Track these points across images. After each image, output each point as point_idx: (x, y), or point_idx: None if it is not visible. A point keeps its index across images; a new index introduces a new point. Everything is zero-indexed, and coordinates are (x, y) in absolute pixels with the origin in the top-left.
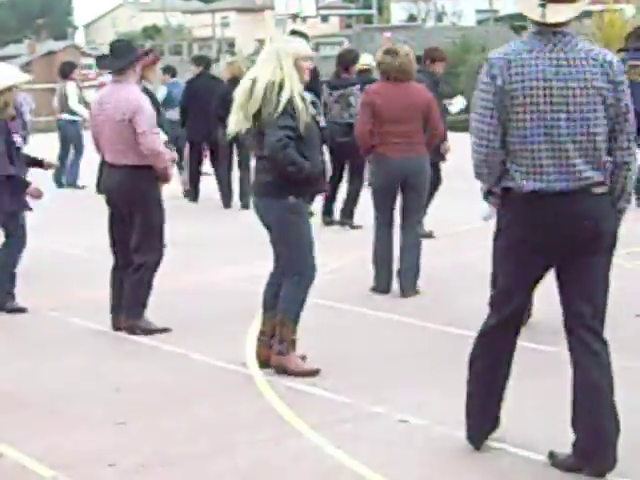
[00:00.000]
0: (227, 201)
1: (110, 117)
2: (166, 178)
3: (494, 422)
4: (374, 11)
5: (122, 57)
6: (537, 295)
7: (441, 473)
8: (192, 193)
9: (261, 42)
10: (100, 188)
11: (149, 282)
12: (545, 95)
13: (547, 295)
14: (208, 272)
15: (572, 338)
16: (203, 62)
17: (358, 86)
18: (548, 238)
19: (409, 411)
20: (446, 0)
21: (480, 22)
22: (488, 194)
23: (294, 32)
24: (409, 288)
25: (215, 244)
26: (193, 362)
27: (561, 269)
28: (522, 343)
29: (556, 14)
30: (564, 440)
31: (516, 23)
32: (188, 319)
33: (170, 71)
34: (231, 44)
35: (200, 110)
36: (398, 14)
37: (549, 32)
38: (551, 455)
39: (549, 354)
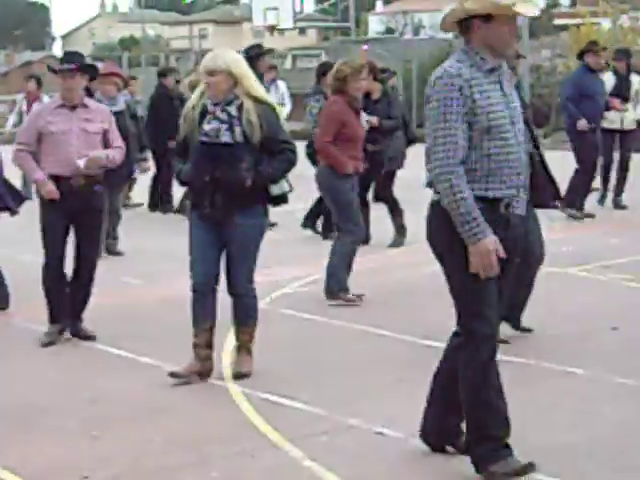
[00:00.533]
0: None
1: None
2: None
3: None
4: (352, 24)
5: None
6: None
7: None
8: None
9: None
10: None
11: None
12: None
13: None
14: (182, 283)
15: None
16: (172, 73)
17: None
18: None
19: (384, 423)
20: (424, 13)
21: (458, 36)
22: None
23: (253, 46)
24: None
25: (186, 257)
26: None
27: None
28: (498, 356)
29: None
30: (538, 451)
31: None
32: (163, 331)
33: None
34: None
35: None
36: (375, 27)
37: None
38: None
39: (524, 366)
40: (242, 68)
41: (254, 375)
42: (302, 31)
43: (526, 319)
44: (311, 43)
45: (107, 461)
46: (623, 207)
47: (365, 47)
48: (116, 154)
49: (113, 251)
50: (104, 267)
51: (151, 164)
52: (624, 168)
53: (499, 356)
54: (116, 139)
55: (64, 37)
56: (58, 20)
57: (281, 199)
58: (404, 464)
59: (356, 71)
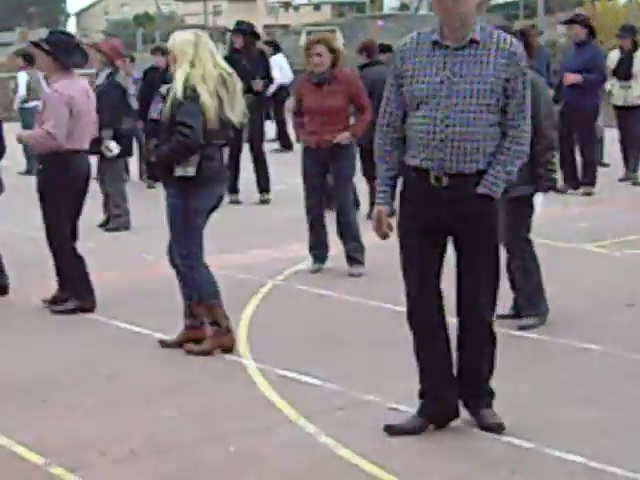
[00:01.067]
0: None
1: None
2: None
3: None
4: (366, 0)
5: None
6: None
7: (432, 460)
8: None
9: None
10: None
11: None
12: (436, 88)
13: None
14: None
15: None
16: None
17: None
18: (433, 219)
19: (399, 399)
20: None
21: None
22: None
23: (239, 22)
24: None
25: (208, 233)
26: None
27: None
28: (514, 332)
29: None
30: (553, 427)
31: (508, 12)
32: (179, 307)
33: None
34: (223, 32)
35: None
36: (390, 2)
37: None
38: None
39: (539, 342)
40: (180, 50)
41: (269, 351)
42: (317, 7)
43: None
44: (325, 19)
45: (124, 437)
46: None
47: (380, 23)
48: (36, 135)
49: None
50: (119, 243)
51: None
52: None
53: (516, 332)
54: (48, 120)
55: (78, 14)
56: None
57: (185, 180)
58: (419, 440)
59: (306, 47)
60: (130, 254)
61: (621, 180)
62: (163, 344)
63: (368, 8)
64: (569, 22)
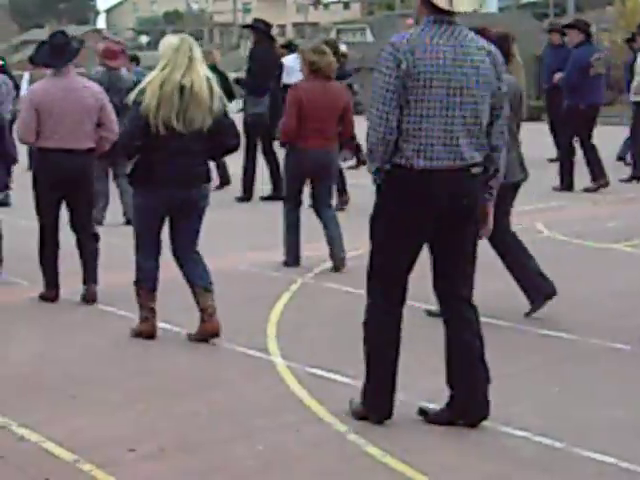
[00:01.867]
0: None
1: (80, 104)
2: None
3: None
4: None
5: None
6: (558, 286)
7: (461, 459)
8: None
9: (282, 28)
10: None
11: None
12: (444, 80)
13: (566, 286)
14: (230, 258)
15: (445, 306)
16: None
17: None
18: (429, 212)
19: (428, 398)
20: None
21: (502, 9)
22: (377, 171)
23: (257, 20)
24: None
25: (236, 231)
26: (214, 347)
27: (434, 243)
28: (545, 331)
29: (461, 4)
30: (584, 427)
31: (538, 10)
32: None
33: (135, 59)
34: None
35: None
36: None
37: (445, 21)
38: (422, 412)
39: (570, 342)
40: (162, 53)
41: (299, 349)
42: (346, 5)
43: (572, 294)
44: (355, 17)
45: (153, 434)
46: None
47: (410, 21)
48: None
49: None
50: None
51: None
52: None
53: (546, 331)
54: None
55: (108, 11)
56: None
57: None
58: (449, 438)
59: None
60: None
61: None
62: (190, 337)
63: (398, 6)
64: (569, 27)
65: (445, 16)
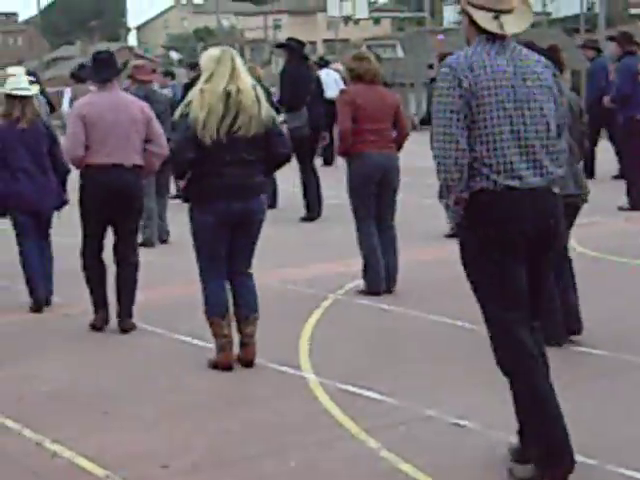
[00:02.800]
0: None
1: (127, 117)
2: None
3: None
4: (426, 14)
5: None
6: (589, 302)
7: (494, 476)
8: None
9: (313, 44)
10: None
11: None
12: (509, 94)
13: (598, 302)
14: (261, 275)
15: None
16: (197, 67)
17: None
18: (520, 235)
19: (461, 414)
20: None
21: (533, 25)
22: (454, 204)
23: (290, 39)
24: (394, 284)
25: (267, 247)
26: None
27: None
28: (576, 348)
29: (512, 26)
30: (617, 444)
31: (569, 26)
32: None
33: (170, 74)
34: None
35: None
36: (450, 17)
37: (498, 37)
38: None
39: (601, 358)
40: (204, 66)
41: (331, 365)
42: (377, 21)
43: (604, 310)
44: (385, 33)
45: (185, 450)
46: None
47: (440, 37)
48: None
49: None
50: (180, 256)
51: None
52: None
53: (578, 348)
54: None
55: (139, 28)
56: (133, 11)
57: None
58: (481, 456)
59: None
60: (193, 267)
61: None
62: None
63: (428, 22)
64: (582, 46)
65: (498, 37)
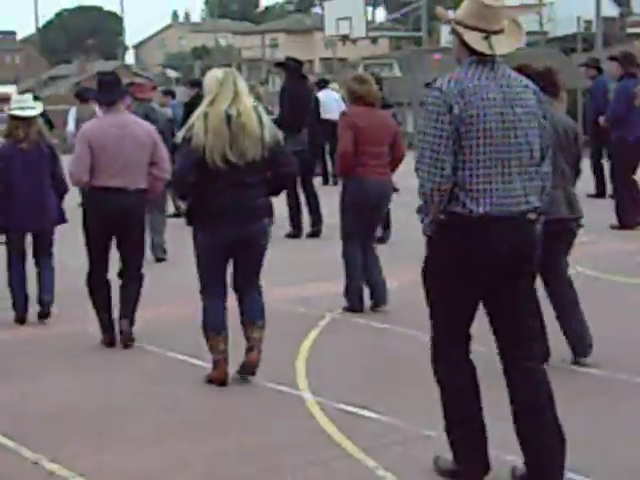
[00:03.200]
0: None
1: (134, 141)
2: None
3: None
4: (424, 33)
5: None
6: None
7: None
8: None
9: (310, 63)
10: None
11: None
12: (497, 122)
13: (593, 321)
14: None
15: (508, 363)
16: (197, 85)
17: None
18: (489, 263)
19: None
20: None
21: (530, 44)
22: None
23: (288, 58)
24: (385, 301)
25: (264, 266)
26: (243, 383)
27: (492, 295)
28: (574, 367)
29: (502, 46)
30: (611, 463)
31: (566, 45)
32: (238, 340)
33: (170, 93)
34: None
35: None
36: (448, 36)
37: (488, 61)
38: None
39: (599, 378)
40: (207, 87)
41: (328, 385)
42: (374, 40)
43: (604, 330)
44: (383, 52)
45: (182, 469)
46: None
47: (437, 56)
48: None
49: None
50: (177, 275)
51: None
52: None
53: (575, 367)
54: None
55: (136, 47)
56: (131, 30)
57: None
58: None
59: None
60: (191, 285)
61: None
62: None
63: (425, 41)
64: (584, 65)
65: (488, 57)
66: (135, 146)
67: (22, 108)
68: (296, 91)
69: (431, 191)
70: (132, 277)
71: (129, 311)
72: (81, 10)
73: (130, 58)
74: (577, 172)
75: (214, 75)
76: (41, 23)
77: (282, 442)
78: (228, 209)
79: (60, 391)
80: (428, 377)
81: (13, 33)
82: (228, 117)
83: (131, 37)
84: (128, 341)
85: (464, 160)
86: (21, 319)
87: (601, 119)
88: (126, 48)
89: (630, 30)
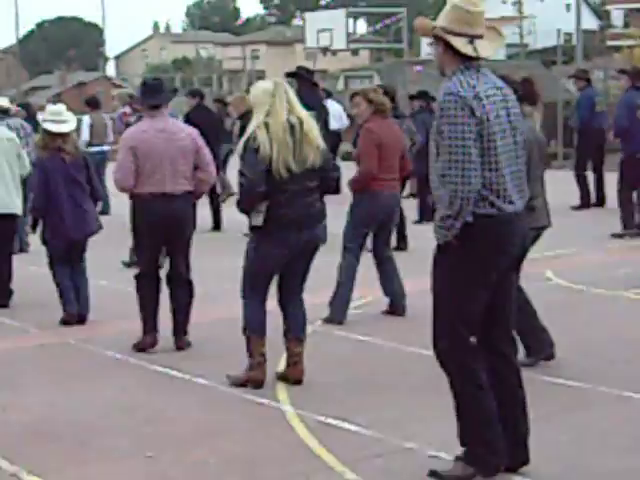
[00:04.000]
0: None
1: (177, 145)
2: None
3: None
4: (404, 45)
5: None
6: (567, 334)
7: None
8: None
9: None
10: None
11: None
12: (506, 121)
13: (575, 333)
14: (236, 306)
15: (494, 353)
16: (198, 95)
17: None
18: (511, 257)
19: (439, 447)
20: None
21: (510, 57)
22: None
23: (299, 67)
24: (403, 312)
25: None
26: (224, 395)
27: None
28: (554, 379)
29: (485, 49)
30: (593, 476)
31: (546, 57)
32: (220, 351)
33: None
34: (261, 77)
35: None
36: (428, 48)
37: (475, 67)
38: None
39: (579, 390)
40: (259, 99)
41: (309, 397)
42: (355, 52)
43: (584, 342)
44: (363, 64)
45: None
46: None
47: (418, 68)
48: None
49: None
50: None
51: None
52: None
53: (555, 379)
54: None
55: (117, 58)
56: (111, 41)
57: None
58: None
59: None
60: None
61: None
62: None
63: (406, 53)
64: (573, 77)
65: (474, 62)
66: (178, 152)
67: (55, 121)
68: (309, 101)
69: (468, 193)
70: (181, 281)
71: (183, 326)
72: (62, 21)
73: (111, 69)
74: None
75: (264, 87)
76: (21, 34)
77: (263, 454)
78: (297, 217)
79: (39, 404)
80: (409, 390)
81: None
82: (291, 126)
83: (112, 48)
84: (183, 345)
85: (489, 161)
86: (68, 320)
87: (610, 135)
88: (107, 59)
89: (610, 43)
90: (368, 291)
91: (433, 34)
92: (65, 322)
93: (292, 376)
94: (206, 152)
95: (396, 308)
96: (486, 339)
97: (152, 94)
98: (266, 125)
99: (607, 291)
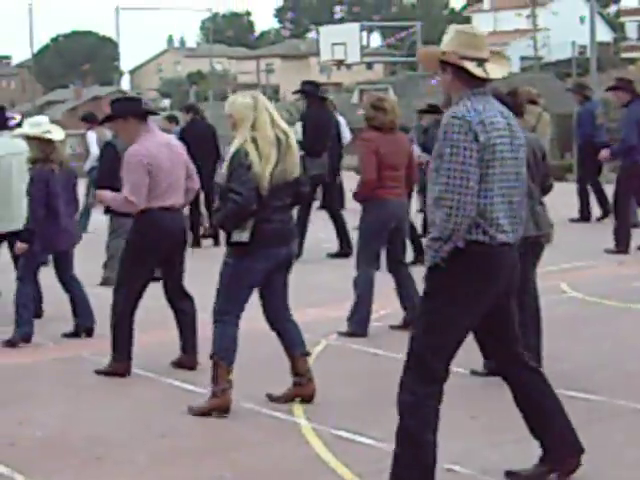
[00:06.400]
0: None
1: (179, 158)
2: None
3: None
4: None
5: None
6: (583, 346)
7: None
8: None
9: None
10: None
11: None
12: (507, 150)
13: (592, 346)
14: (254, 319)
15: (512, 367)
16: (192, 110)
17: None
18: (501, 286)
19: (455, 460)
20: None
21: (524, 69)
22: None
23: (305, 83)
24: None
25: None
26: (239, 408)
27: (489, 315)
28: (571, 393)
29: (494, 71)
30: None
31: (561, 70)
32: (236, 364)
33: (174, 120)
34: (275, 90)
35: (197, 155)
36: None
37: (483, 92)
38: (510, 474)
39: (597, 403)
40: (240, 114)
41: (324, 410)
42: (369, 66)
43: (597, 355)
44: (378, 77)
45: None
46: None
47: (434, 82)
48: (117, 199)
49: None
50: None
51: None
52: None
53: (573, 393)
54: (125, 184)
55: (132, 72)
56: (126, 55)
57: (236, 245)
58: None
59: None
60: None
61: None
62: (270, 398)
63: (420, 67)
64: (570, 90)
65: (482, 87)
66: (180, 165)
67: (45, 131)
68: (318, 116)
69: (462, 219)
70: (182, 295)
71: (194, 342)
72: (76, 35)
73: (126, 83)
74: (548, 187)
75: (242, 102)
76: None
77: (278, 468)
78: (276, 232)
79: (55, 418)
80: None
81: (8, 58)
82: (277, 140)
83: (127, 62)
84: (194, 364)
85: (485, 188)
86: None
87: (605, 153)
88: (122, 73)
89: (624, 55)
90: (384, 304)
91: (442, 60)
92: (12, 344)
93: (306, 395)
94: (189, 160)
95: (411, 322)
96: (511, 356)
97: (136, 103)
98: (254, 140)
99: (622, 303)
